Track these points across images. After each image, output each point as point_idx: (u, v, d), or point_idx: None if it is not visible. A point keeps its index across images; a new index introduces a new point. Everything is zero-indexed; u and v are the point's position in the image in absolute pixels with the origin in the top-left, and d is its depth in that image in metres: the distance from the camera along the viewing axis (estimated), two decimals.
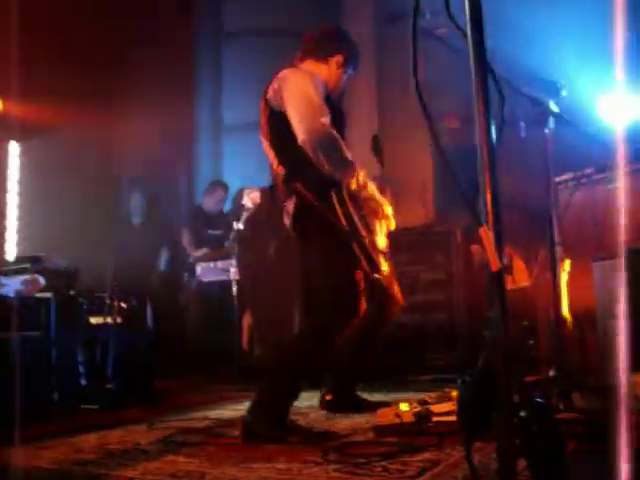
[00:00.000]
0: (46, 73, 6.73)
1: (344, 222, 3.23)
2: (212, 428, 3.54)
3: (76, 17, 6.80)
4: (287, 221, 3.38)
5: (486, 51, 1.58)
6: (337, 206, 3.24)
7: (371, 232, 3.37)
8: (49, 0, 6.61)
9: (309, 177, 3.26)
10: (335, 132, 3.24)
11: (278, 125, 3.34)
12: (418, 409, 3.07)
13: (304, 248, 3.46)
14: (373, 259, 3.29)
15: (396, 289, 3.74)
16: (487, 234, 1.52)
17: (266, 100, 3.41)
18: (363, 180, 3.36)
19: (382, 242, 3.49)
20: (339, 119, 3.46)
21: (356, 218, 3.28)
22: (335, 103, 3.55)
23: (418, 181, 6.67)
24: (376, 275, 3.32)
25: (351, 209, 3.27)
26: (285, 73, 3.43)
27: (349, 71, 3.71)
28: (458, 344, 4.88)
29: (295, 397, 3.24)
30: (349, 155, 3.28)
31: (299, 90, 3.32)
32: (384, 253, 3.51)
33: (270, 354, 3.36)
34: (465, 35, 1.63)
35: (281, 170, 3.37)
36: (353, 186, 3.29)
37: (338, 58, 3.63)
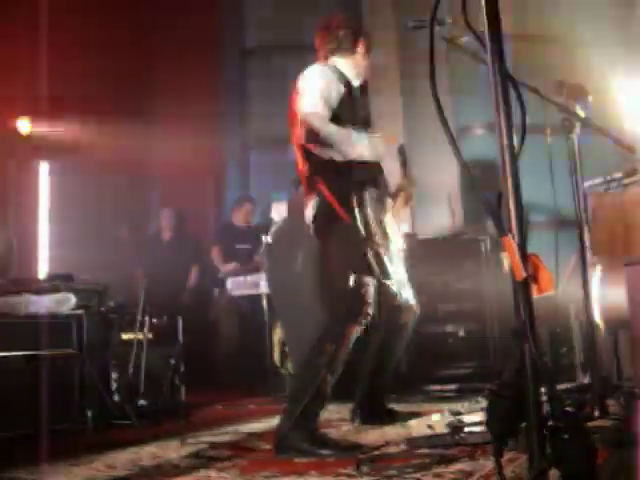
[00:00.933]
0: (75, 93, 6.81)
1: (360, 226, 3.24)
2: (244, 442, 3.53)
3: (105, 37, 6.88)
4: (307, 220, 3.41)
5: (505, 59, 1.57)
6: (355, 208, 3.25)
7: (386, 236, 3.38)
8: (78, 20, 6.71)
9: (331, 177, 3.30)
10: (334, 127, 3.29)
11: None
12: (451, 419, 3.05)
13: (320, 247, 3.49)
14: (384, 265, 3.29)
15: (410, 294, 3.71)
16: (511, 243, 1.51)
17: (292, 103, 3.46)
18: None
19: (398, 243, 3.51)
20: (364, 113, 3.53)
21: (373, 222, 3.28)
22: (362, 95, 3.62)
23: (446, 190, 6.64)
24: (386, 281, 3.31)
25: (369, 212, 3.28)
26: (303, 73, 3.50)
27: (366, 54, 3.74)
28: (490, 353, 4.83)
29: (321, 406, 3.23)
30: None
31: (307, 87, 3.40)
32: (399, 255, 3.53)
33: (298, 366, 3.37)
34: (483, 44, 1.62)
35: (305, 168, 3.41)
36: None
37: (361, 47, 3.67)
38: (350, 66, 3.66)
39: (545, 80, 3.58)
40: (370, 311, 3.26)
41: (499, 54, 1.59)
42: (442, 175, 6.67)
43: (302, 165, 3.44)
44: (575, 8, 6.55)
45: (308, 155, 3.38)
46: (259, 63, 8.21)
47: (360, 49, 3.68)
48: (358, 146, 3.33)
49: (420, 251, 4.88)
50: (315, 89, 3.38)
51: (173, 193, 7.70)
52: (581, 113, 3.38)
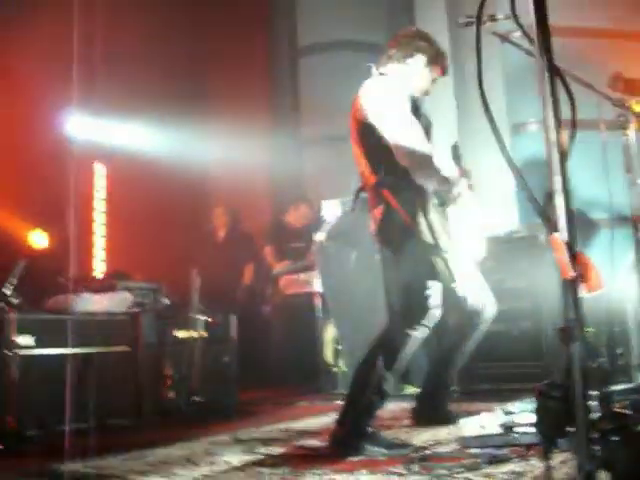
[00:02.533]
0: (130, 96, 6.94)
1: (427, 234, 3.24)
2: (296, 439, 3.56)
3: (158, 43, 6.99)
4: (372, 227, 3.42)
5: (552, 53, 1.55)
6: (421, 217, 3.26)
7: (451, 241, 3.36)
8: (135, 30, 6.82)
9: (397, 186, 3.31)
10: (427, 147, 3.29)
11: (369, 136, 3.38)
12: (503, 419, 3.01)
13: (384, 255, 3.49)
14: (450, 270, 3.27)
15: (485, 297, 3.67)
16: (558, 241, 1.48)
17: (355, 112, 3.45)
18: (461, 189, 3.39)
19: (472, 250, 3.49)
20: (424, 122, 3.49)
21: (438, 228, 3.28)
22: (420, 105, 3.58)
23: (500, 189, 6.56)
24: (453, 285, 3.30)
25: (435, 220, 3.28)
26: (367, 85, 3.48)
27: (436, 73, 3.69)
28: (545, 353, 4.75)
29: (379, 406, 3.24)
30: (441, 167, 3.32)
31: (385, 106, 3.37)
32: (473, 261, 3.52)
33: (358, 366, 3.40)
34: (531, 39, 1.60)
35: (372, 178, 3.41)
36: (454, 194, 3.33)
37: (420, 58, 3.62)
38: (419, 77, 3.63)
39: (602, 74, 3.51)
40: (431, 317, 3.26)
41: (546, 48, 1.56)
42: (497, 173, 6.59)
43: (369, 174, 3.45)
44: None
45: (377, 166, 3.40)
46: (311, 60, 8.21)
47: (420, 59, 3.64)
48: (438, 175, 3.34)
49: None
50: (398, 110, 3.37)
51: (227, 192, 7.78)
52: (637, 108, 3.30)
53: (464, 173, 3.69)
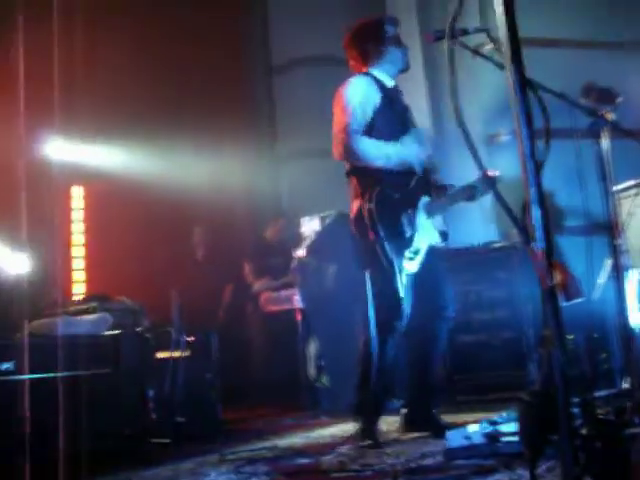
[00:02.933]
0: (106, 118, 6.92)
1: (369, 223, 3.34)
2: (282, 457, 3.54)
3: (136, 62, 6.98)
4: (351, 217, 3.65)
5: (523, 65, 1.57)
6: (368, 206, 3.35)
7: (401, 234, 3.43)
8: (109, 41, 6.80)
9: (359, 176, 3.44)
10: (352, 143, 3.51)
11: None
12: (488, 429, 3.01)
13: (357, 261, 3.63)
14: (391, 262, 3.34)
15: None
16: (536, 251, 1.50)
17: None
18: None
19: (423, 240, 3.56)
20: (400, 111, 3.67)
21: (377, 219, 3.36)
22: (397, 95, 3.71)
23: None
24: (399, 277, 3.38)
25: (374, 209, 3.35)
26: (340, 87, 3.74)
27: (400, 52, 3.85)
28: (526, 362, 4.78)
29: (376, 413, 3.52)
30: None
31: (343, 98, 3.65)
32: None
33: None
34: (501, 51, 1.62)
35: (351, 179, 3.66)
36: None
37: (389, 43, 3.75)
38: (385, 68, 3.75)
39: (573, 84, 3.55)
40: (399, 322, 3.32)
41: (517, 60, 1.58)
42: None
43: (349, 176, 3.67)
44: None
45: (352, 168, 3.54)
46: (287, 78, 8.23)
47: (389, 45, 3.75)
48: (394, 155, 3.52)
49: (453, 261, 4.86)
50: (347, 105, 3.48)
51: (206, 210, 7.75)
52: (609, 116, 3.34)
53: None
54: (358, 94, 3.65)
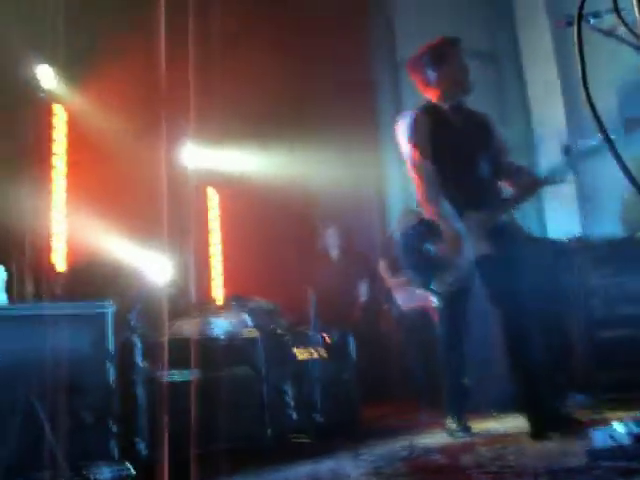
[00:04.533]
0: (236, 118, 7.10)
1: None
2: (420, 456, 3.52)
3: (260, 69, 7.12)
4: None
5: None
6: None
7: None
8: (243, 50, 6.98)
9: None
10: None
11: None
12: (636, 430, 2.89)
13: None
14: None
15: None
16: None
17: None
18: None
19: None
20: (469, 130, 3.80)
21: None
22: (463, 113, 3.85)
23: (618, 191, 6.32)
24: None
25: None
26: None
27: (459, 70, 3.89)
28: None
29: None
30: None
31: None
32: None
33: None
34: (635, 34, 1.55)
35: None
36: None
37: (447, 68, 3.75)
38: (444, 93, 3.77)
39: None
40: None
41: None
42: (613, 177, 6.35)
43: None
44: None
45: None
46: None
47: (447, 70, 3.76)
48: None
49: (593, 254, 4.69)
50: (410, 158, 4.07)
51: (337, 209, 7.81)
52: None
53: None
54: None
